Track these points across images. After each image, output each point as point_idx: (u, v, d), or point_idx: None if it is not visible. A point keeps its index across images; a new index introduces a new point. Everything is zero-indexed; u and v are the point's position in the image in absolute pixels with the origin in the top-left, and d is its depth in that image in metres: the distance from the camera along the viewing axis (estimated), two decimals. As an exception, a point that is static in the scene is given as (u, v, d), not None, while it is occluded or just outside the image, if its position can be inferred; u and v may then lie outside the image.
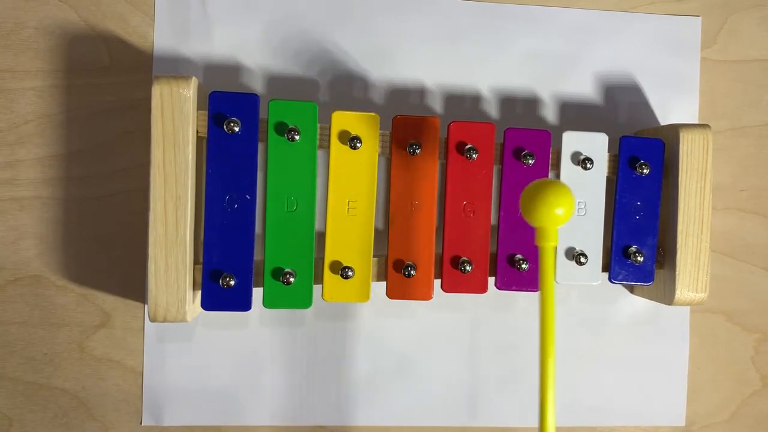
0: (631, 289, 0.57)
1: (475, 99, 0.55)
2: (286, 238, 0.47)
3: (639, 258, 0.50)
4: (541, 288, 0.39)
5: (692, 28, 0.57)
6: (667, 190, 0.52)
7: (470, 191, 0.49)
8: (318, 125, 0.48)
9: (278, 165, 0.47)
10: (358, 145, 0.47)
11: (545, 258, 0.39)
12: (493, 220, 0.50)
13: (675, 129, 0.51)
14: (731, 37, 0.58)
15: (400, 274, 0.49)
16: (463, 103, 0.55)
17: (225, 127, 0.46)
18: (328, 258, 0.48)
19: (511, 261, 0.50)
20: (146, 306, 0.52)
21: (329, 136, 0.48)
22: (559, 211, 0.38)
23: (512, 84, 0.56)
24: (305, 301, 0.48)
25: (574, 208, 0.39)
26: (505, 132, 0.50)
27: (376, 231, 0.51)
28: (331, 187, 0.48)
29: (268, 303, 0.48)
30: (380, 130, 0.48)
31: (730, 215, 0.58)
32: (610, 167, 0.51)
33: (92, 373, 0.52)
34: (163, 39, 0.53)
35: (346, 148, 0.48)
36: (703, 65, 0.57)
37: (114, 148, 0.52)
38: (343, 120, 0.48)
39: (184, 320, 0.46)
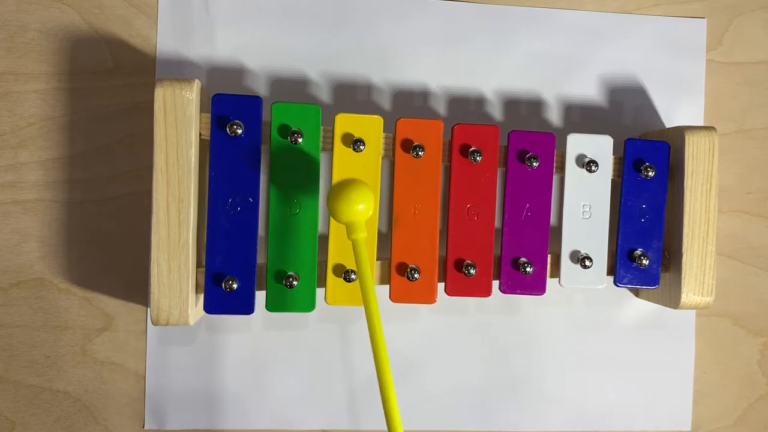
0: (637, 293, 0.56)
1: (479, 101, 0.55)
2: (289, 241, 0.47)
3: (644, 261, 0.50)
4: (360, 279, 0.42)
5: (697, 29, 0.57)
6: (672, 193, 0.52)
7: (474, 194, 0.49)
8: (321, 128, 0.47)
9: (281, 167, 0.47)
10: (362, 147, 0.47)
11: (358, 249, 0.43)
12: (497, 223, 0.50)
13: (680, 131, 0.51)
14: (737, 39, 0.57)
15: (403, 278, 0.48)
16: (467, 105, 0.55)
17: (228, 129, 0.46)
18: (331, 261, 0.48)
19: (515, 264, 0.49)
20: (149, 309, 0.52)
21: (332, 138, 0.48)
22: (361, 206, 0.43)
23: (516, 86, 0.55)
24: (308, 305, 0.48)
25: (374, 201, 0.44)
26: (509, 134, 0.50)
27: (379, 234, 0.51)
28: (334, 189, 0.48)
29: (270, 306, 0.47)
30: (384, 132, 0.48)
31: (736, 218, 0.57)
32: (615, 170, 0.51)
33: (95, 376, 0.52)
34: (166, 41, 0.53)
35: (350, 150, 0.47)
36: (709, 67, 0.57)
37: (117, 151, 0.52)
38: (346, 122, 0.48)
39: (186, 323, 0.46)
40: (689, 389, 0.57)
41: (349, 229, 0.43)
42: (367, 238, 0.43)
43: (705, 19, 0.57)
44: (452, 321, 0.55)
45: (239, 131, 0.46)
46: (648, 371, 0.56)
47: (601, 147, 0.50)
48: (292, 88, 0.54)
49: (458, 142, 0.49)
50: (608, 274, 0.51)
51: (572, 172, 0.50)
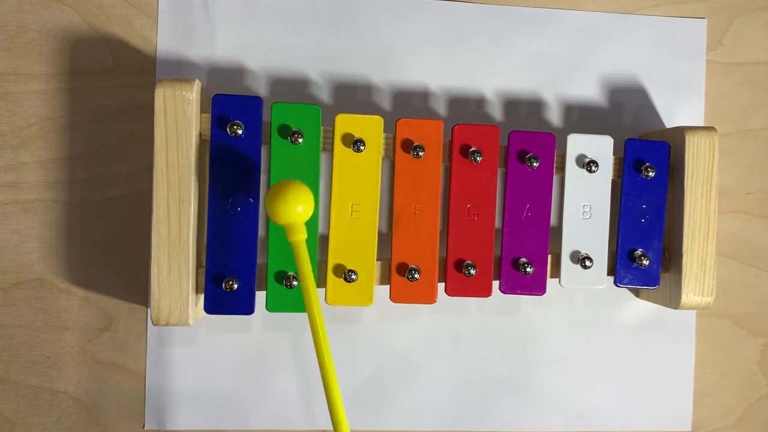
0: (637, 293, 0.56)
1: (480, 102, 0.55)
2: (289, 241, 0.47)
3: (644, 261, 0.50)
4: (301, 281, 0.43)
5: (697, 30, 0.57)
6: (672, 193, 0.52)
7: (474, 194, 0.49)
8: (321, 128, 0.47)
9: (281, 168, 0.47)
10: (362, 148, 0.47)
11: (298, 251, 0.43)
12: (497, 223, 0.50)
13: (680, 132, 0.51)
14: (737, 40, 0.57)
15: (403, 278, 0.48)
16: (467, 105, 0.55)
17: (228, 129, 0.46)
18: (332, 261, 0.48)
19: (516, 264, 0.49)
20: (149, 309, 0.52)
21: (333, 138, 0.48)
22: (300, 208, 0.42)
23: (516, 86, 0.55)
24: (308, 305, 0.48)
25: (313, 202, 0.44)
26: (509, 135, 0.50)
27: (380, 234, 0.51)
28: (334, 190, 0.48)
29: (271, 307, 0.47)
30: (384, 132, 0.48)
31: (736, 218, 0.57)
32: (615, 170, 0.51)
33: (95, 376, 0.52)
34: (167, 42, 0.53)
35: (350, 151, 0.47)
36: (709, 67, 0.57)
37: (117, 151, 0.52)
38: (346, 123, 0.48)
39: (186, 324, 0.46)
40: (689, 389, 0.57)
41: (288, 230, 0.43)
42: (306, 239, 0.43)
43: (705, 20, 0.57)
44: (452, 321, 0.55)
45: (239, 131, 0.46)
46: (648, 371, 0.56)
47: (601, 147, 0.50)
48: (293, 88, 0.54)
49: (458, 142, 0.49)
50: (608, 274, 0.51)
51: (572, 172, 0.50)
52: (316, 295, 0.43)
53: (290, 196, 0.42)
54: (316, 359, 0.53)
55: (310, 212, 0.43)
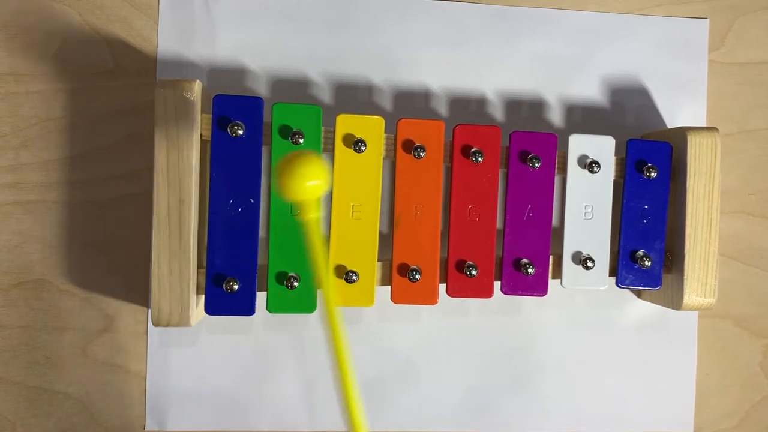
0: (639, 294, 0.56)
1: (481, 102, 0.55)
2: (290, 242, 0.47)
3: (646, 262, 0.50)
4: (315, 266, 0.37)
5: (699, 30, 0.57)
6: (674, 194, 0.52)
7: (476, 195, 0.49)
8: (322, 128, 0.47)
9: (282, 168, 0.47)
10: (363, 148, 0.47)
11: (311, 232, 0.37)
12: (498, 224, 0.50)
13: (682, 132, 0.51)
14: (739, 40, 0.57)
15: (404, 279, 0.48)
16: (469, 106, 0.55)
17: (229, 130, 0.46)
18: (333, 262, 0.48)
19: (517, 265, 0.49)
20: (149, 310, 0.52)
21: (333, 139, 0.48)
22: (314, 182, 0.36)
23: (518, 87, 0.55)
24: (309, 306, 0.48)
25: (328, 176, 0.37)
26: (510, 135, 0.49)
27: (381, 235, 0.51)
28: (335, 190, 0.48)
29: (272, 307, 0.47)
30: (385, 133, 0.48)
31: (738, 219, 0.57)
32: (617, 170, 0.51)
33: (96, 377, 0.52)
34: (167, 42, 0.53)
35: (351, 151, 0.47)
36: (711, 68, 0.57)
37: (118, 152, 0.52)
38: (347, 123, 0.47)
39: (187, 324, 0.46)
40: (691, 391, 0.57)
41: (300, 208, 0.37)
42: (320, 218, 0.38)
43: (707, 20, 0.57)
44: (453, 322, 0.55)
45: (240, 132, 0.46)
46: (650, 373, 0.56)
47: (602, 148, 0.50)
48: (293, 88, 0.53)
49: (459, 142, 0.49)
50: (610, 275, 0.51)
51: (574, 172, 0.50)
52: (333, 281, 0.38)
53: (303, 168, 0.36)
54: (316, 360, 0.53)
55: (325, 187, 0.37)
